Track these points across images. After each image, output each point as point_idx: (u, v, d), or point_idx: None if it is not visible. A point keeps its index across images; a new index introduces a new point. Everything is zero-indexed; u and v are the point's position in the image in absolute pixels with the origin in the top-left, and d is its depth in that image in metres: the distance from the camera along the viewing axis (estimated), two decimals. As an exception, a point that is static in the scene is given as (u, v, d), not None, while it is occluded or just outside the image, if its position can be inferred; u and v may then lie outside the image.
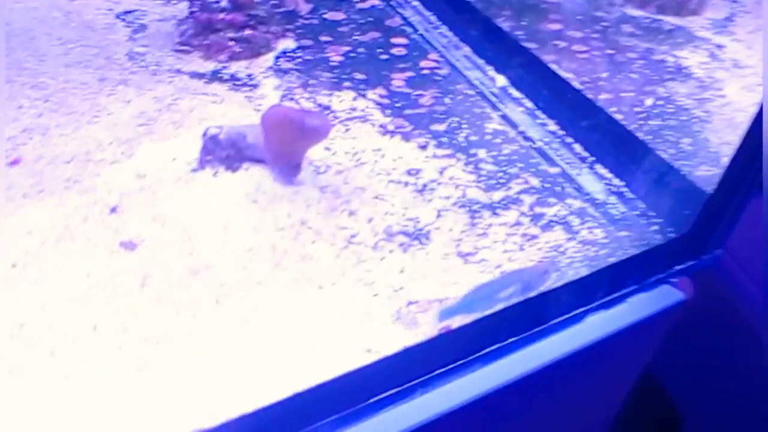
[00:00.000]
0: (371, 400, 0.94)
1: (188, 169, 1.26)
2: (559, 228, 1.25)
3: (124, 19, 1.74)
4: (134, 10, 1.78)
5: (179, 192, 1.21)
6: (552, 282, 1.11)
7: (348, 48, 1.67)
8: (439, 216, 1.25)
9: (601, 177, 1.36)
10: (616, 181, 1.35)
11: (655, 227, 1.26)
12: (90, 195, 1.20)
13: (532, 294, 1.08)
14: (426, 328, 1.05)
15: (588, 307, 1.13)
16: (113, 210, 1.17)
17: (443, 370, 0.99)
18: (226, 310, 1.05)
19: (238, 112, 1.46)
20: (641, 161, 1.33)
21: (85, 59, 1.57)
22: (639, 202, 1.31)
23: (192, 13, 1.62)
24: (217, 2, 1.60)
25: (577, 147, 1.42)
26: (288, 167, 1.23)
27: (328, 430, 0.91)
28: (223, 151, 1.23)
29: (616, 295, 1.16)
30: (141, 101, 1.46)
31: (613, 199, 1.32)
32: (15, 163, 1.28)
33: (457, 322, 1.05)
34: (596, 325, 1.14)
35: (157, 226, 1.15)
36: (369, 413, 0.95)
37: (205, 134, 1.24)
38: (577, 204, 1.30)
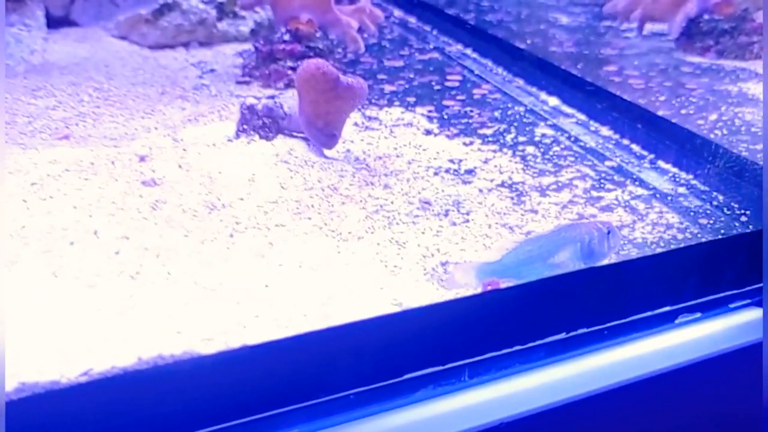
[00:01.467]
0: (405, 377, 0.73)
1: (224, 139, 1.24)
2: (622, 210, 1.11)
3: (196, 66, 1.86)
4: (208, 61, 1.90)
5: (210, 151, 1.19)
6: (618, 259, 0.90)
7: (403, 82, 1.69)
8: (482, 193, 1.16)
9: (665, 171, 1.24)
10: (684, 175, 1.22)
11: (744, 218, 1.09)
12: (124, 148, 1.19)
13: (598, 264, 0.86)
14: (466, 291, 0.87)
15: (679, 306, 0.86)
16: (142, 159, 1.15)
17: (497, 354, 0.77)
18: (239, 243, 0.97)
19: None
20: (712, 156, 1.20)
21: (151, 81, 1.66)
22: (716, 194, 1.16)
23: (256, 47, 1.71)
24: (281, 36, 1.68)
25: (635, 147, 1.32)
26: (323, 135, 1.20)
27: (348, 407, 0.73)
28: (259, 120, 1.22)
29: (713, 297, 0.88)
30: (195, 109, 1.50)
31: (682, 190, 1.18)
32: (64, 138, 1.31)
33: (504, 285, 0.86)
34: (701, 336, 0.86)
35: (182, 172, 1.12)
36: (399, 394, 0.74)
37: (242, 105, 1.24)
38: (640, 191, 1.17)
